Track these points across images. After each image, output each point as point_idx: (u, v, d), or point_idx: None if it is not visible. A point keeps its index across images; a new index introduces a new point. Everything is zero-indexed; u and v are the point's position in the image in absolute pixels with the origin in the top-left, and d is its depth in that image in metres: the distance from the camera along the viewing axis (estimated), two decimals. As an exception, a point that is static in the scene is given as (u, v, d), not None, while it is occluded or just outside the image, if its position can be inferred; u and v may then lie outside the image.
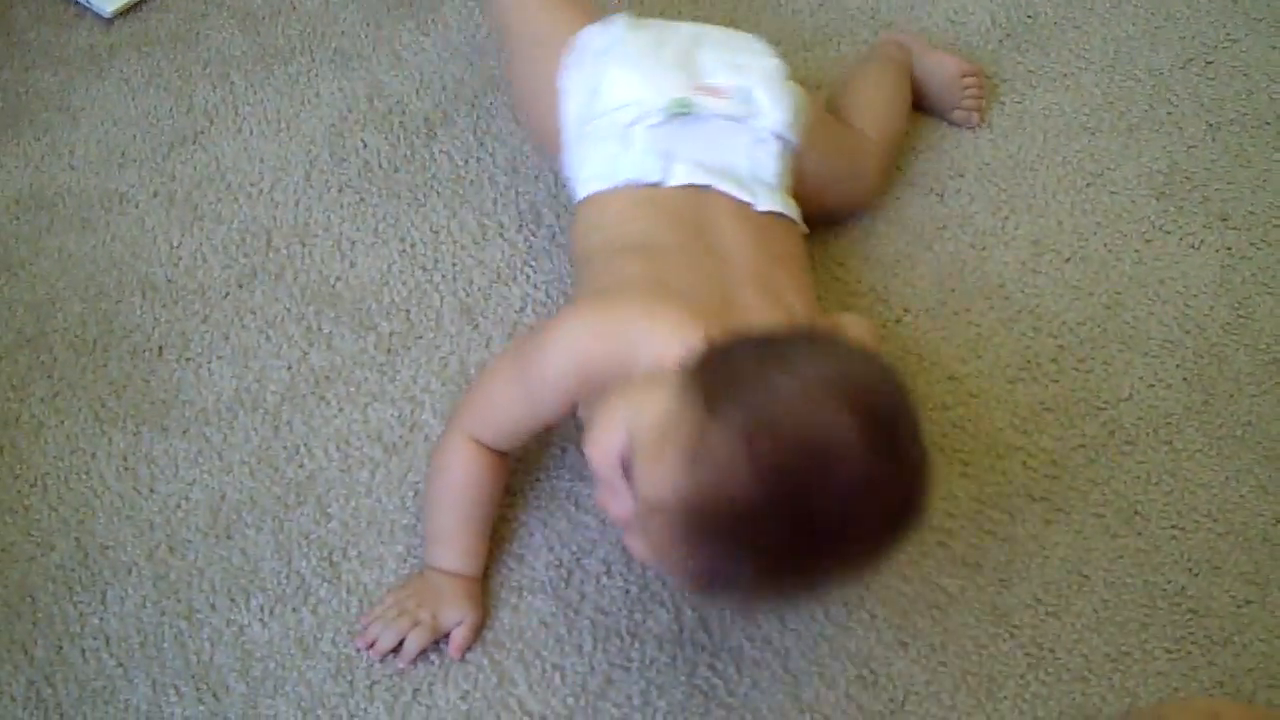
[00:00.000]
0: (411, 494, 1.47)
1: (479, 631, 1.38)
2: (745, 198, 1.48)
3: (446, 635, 1.37)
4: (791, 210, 1.52)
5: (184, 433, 1.52)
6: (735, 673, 1.36)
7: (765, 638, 1.38)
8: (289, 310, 1.62)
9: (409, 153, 1.77)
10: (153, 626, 1.39)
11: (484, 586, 1.40)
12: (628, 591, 1.40)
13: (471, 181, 1.73)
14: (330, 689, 1.34)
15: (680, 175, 1.48)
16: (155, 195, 1.74)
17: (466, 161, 1.76)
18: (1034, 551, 1.45)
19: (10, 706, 1.34)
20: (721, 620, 1.38)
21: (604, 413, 1.20)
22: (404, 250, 1.67)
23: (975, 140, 1.79)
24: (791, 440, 1.07)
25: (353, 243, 1.68)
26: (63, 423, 1.54)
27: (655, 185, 1.48)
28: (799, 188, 1.55)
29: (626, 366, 1.25)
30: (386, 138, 1.79)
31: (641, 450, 1.14)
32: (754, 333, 1.19)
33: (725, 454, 1.08)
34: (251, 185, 1.75)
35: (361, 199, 1.73)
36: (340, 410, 1.53)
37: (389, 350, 1.58)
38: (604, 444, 1.18)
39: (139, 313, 1.63)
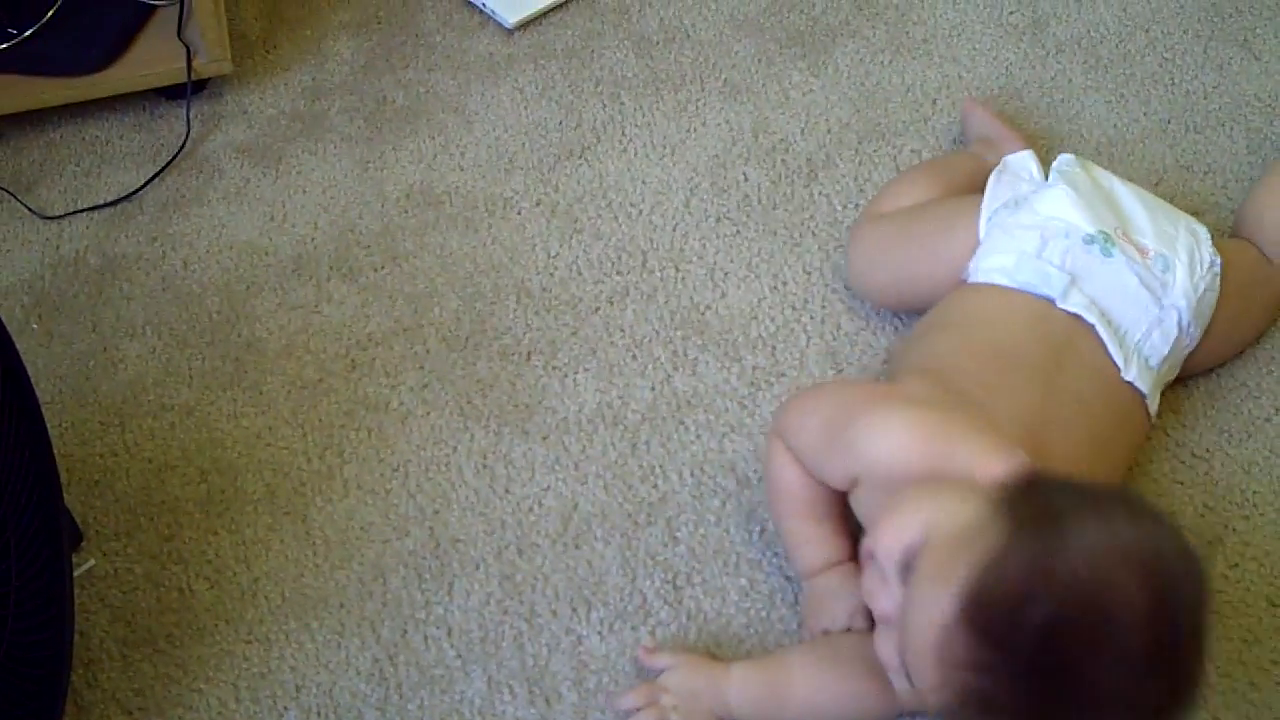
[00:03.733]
0: (759, 530, 1.47)
1: None
2: (1117, 359, 1.43)
3: None
4: (1153, 400, 1.46)
5: (544, 439, 1.56)
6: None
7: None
8: (657, 332, 1.64)
9: (789, 191, 1.79)
10: (494, 624, 1.42)
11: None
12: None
13: (848, 226, 1.73)
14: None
15: (1074, 302, 1.44)
16: (538, 204, 1.79)
17: (845, 206, 1.76)
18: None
19: (354, 679, 1.38)
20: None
21: (904, 505, 1.20)
22: (775, 287, 1.68)
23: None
24: (1080, 595, 1.06)
25: (725, 273, 1.70)
26: (429, 414, 1.58)
27: (1048, 301, 1.45)
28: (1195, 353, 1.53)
29: (934, 472, 1.24)
30: (768, 173, 1.81)
31: (933, 554, 1.14)
32: (1077, 479, 1.19)
33: (1014, 582, 1.07)
34: (632, 205, 1.78)
35: (738, 231, 1.74)
36: (698, 437, 1.55)
37: (752, 384, 1.59)
38: (898, 534, 1.17)
39: (512, 316, 1.67)
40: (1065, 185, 1.52)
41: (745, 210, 1.77)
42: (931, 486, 1.21)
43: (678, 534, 1.47)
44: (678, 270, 1.71)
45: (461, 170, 1.84)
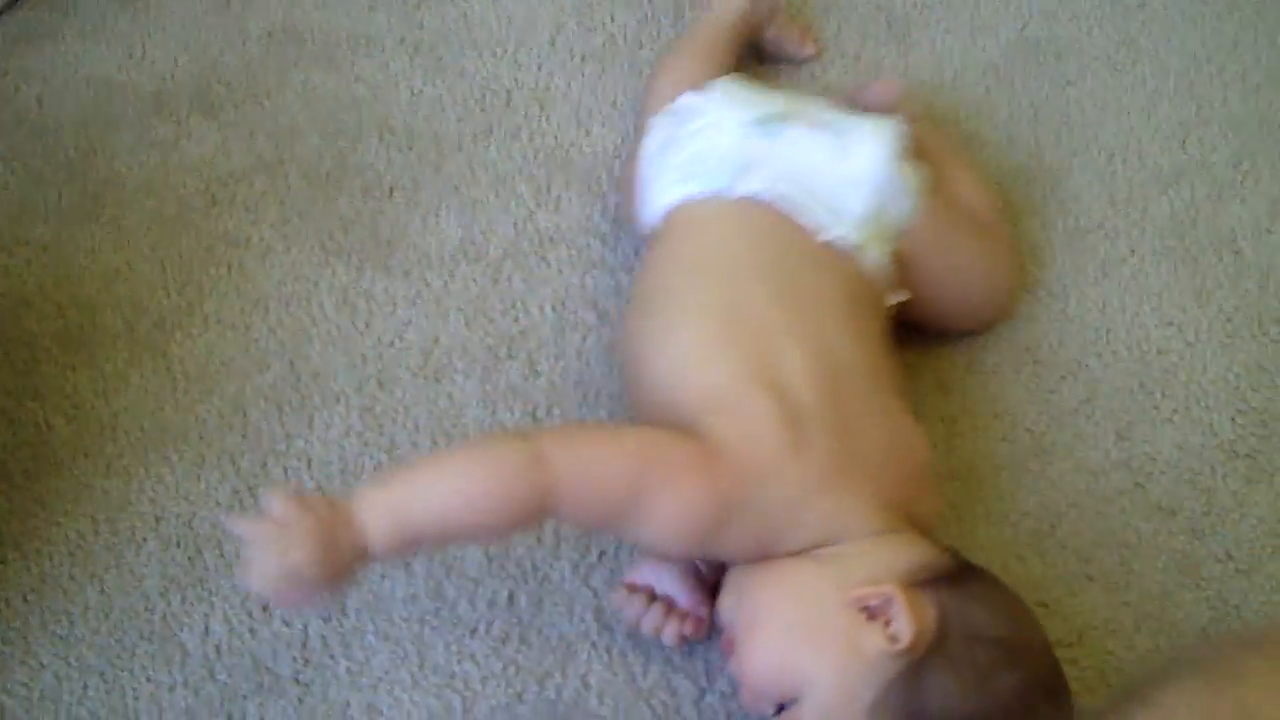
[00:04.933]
0: (619, 365, 1.48)
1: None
2: (810, 224, 1.34)
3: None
4: (870, 251, 1.36)
5: (405, 274, 1.55)
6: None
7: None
8: (521, 170, 1.63)
9: (655, 31, 1.78)
10: (354, 456, 1.42)
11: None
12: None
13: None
14: (518, 541, 1.37)
15: (746, 185, 1.36)
16: (401, 42, 1.77)
17: (710, 47, 1.76)
18: (1231, 507, 1.42)
19: (214, 510, 1.38)
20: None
21: (778, 630, 1.16)
22: (640, 126, 1.67)
23: (1225, 91, 1.75)
24: None
25: (590, 112, 1.69)
26: (290, 249, 1.57)
27: (722, 194, 1.37)
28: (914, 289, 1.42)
29: (769, 524, 1.18)
30: (635, 13, 1.80)
31: (815, 710, 1.12)
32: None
33: None
34: (497, 44, 1.77)
35: (604, 70, 1.74)
36: (560, 273, 1.55)
37: (615, 221, 1.59)
38: (770, 676, 1.15)
39: (374, 154, 1.65)
40: (719, 91, 1.47)
41: (611, 51, 1.76)
42: (807, 617, 1.15)
43: (538, 368, 1.48)
44: (542, 109, 1.70)
45: (324, 7, 1.81)
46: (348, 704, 1.28)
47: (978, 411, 1.47)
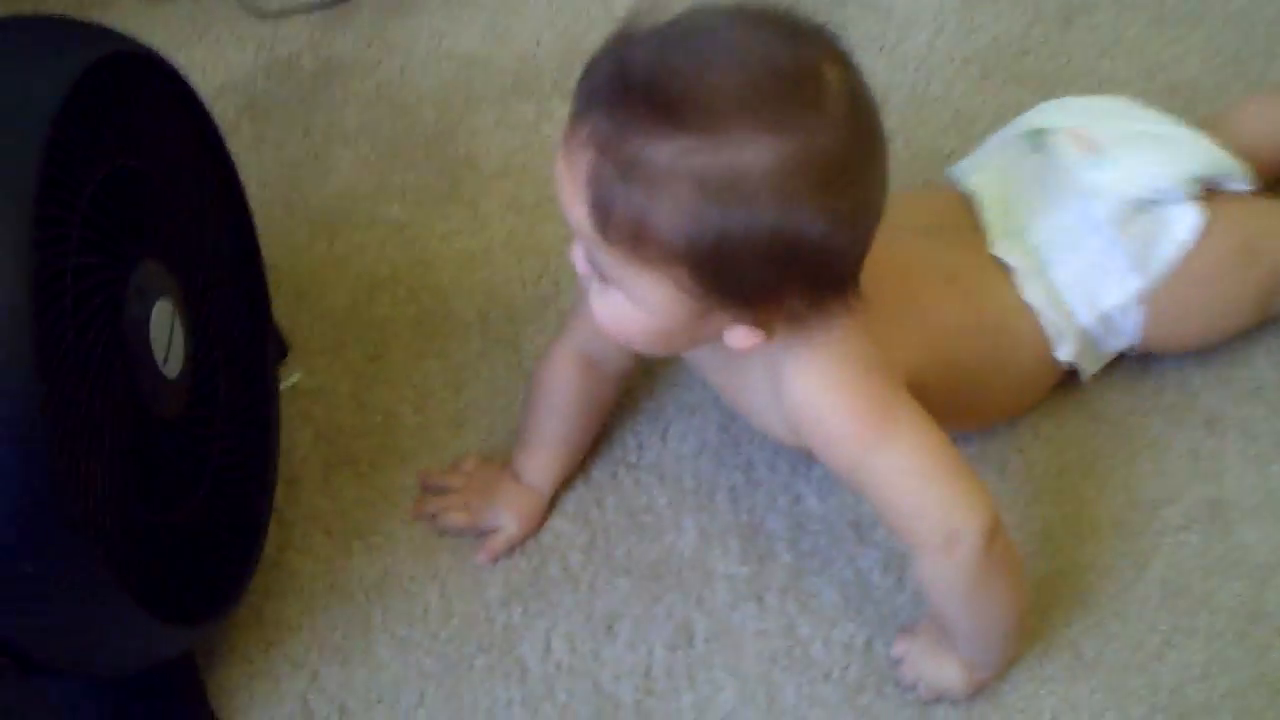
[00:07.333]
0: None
1: (513, 546, 1.33)
2: (989, 230, 1.31)
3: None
4: (1027, 284, 1.29)
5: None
6: (1312, 667, 1.25)
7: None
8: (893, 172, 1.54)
9: (1042, 36, 1.67)
10: (709, 475, 1.36)
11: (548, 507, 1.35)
12: (1207, 550, 1.30)
13: (1103, 81, 1.62)
14: (878, 580, 1.29)
15: (970, 181, 1.35)
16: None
17: (1100, 57, 1.65)
18: None
19: (559, 519, 1.34)
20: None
21: None
22: (1023, 139, 1.58)
23: None
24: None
25: (971, 120, 1.59)
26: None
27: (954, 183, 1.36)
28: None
29: None
30: (1021, 15, 1.69)
31: None
32: None
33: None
34: (879, 35, 1.68)
35: (984, 75, 1.64)
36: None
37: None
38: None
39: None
40: (1056, 101, 1.42)
41: (994, 52, 1.66)
42: None
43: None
44: (918, 112, 1.61)
45: (693, -9, 1.75)
46: (689, 739, 1.23)
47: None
